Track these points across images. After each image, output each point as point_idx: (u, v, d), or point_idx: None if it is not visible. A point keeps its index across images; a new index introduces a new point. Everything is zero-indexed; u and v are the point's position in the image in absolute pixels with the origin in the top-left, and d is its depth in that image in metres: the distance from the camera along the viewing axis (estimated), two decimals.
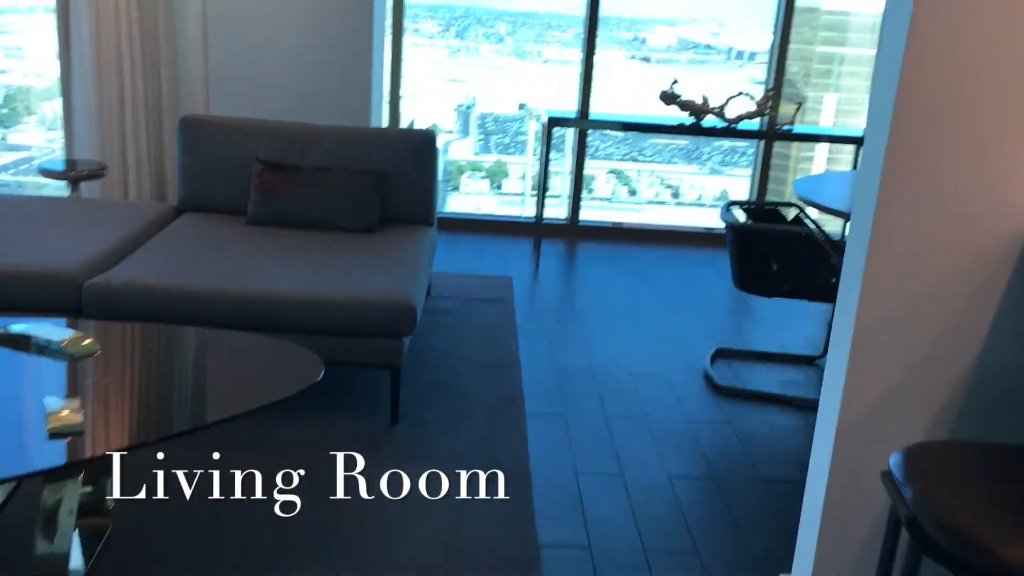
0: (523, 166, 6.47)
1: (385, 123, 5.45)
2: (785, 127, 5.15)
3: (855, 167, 5.54)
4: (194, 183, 3.91)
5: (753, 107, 5.18)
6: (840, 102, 5.95)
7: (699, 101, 5.13)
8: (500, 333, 4.02)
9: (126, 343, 2.60)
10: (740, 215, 3.72)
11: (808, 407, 3.53)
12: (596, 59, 5.52)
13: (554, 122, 5.06)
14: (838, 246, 3.42)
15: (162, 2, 4.63)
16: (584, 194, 5.75)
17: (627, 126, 5.16)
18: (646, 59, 5.87)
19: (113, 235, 3.45)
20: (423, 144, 3.89)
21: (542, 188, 5.18)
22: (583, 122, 5.25)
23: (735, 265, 3.61)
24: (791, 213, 3.86)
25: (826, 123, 6.19)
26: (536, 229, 5.38)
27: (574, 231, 5.82)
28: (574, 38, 5.90)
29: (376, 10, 4.71)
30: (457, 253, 5.21)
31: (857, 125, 6.06)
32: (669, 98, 5.06)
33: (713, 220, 6.66)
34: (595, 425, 3.29)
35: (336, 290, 3.05)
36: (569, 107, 5.53)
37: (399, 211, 3.91)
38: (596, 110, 5.55)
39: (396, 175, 3.86)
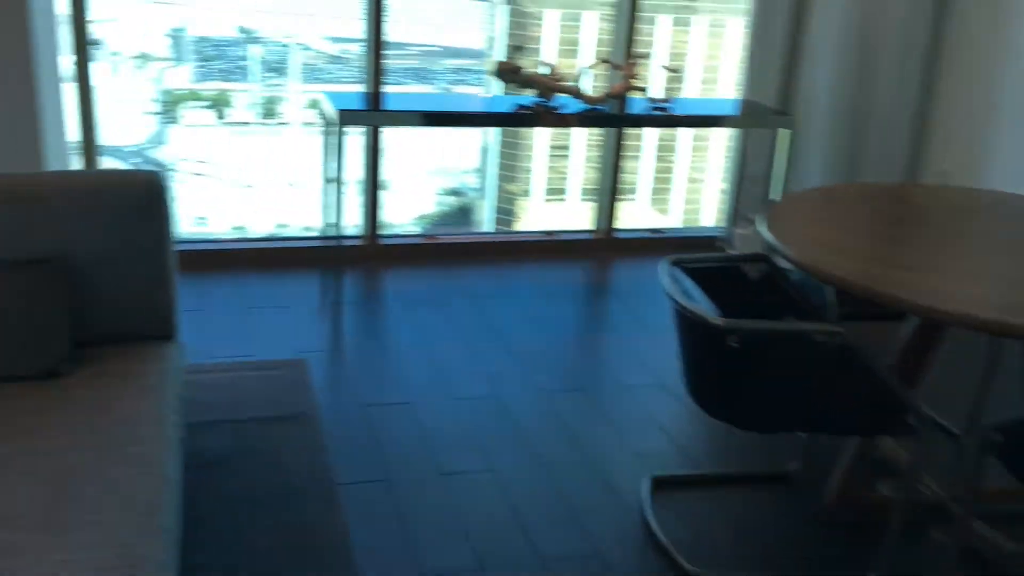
0: (248, 93, 6.09)
1: (71, 127, 3.50)
2: (664, 106, 3.77)
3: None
4: None
5: (619, 79, 3.76)
6: None
7: (546, 72, 3.64)
8: (312, 510, 2.41)
9: None
10: (689, 290, 2.29)
11: None
12: None
13: (347, 118, 3.37)
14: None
15: None
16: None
17: (443, 118, 3.55)
18: None
19: None
20: (144, 198, 2.15)
21: (337, 207, 3.51)
22: (381, 115, 3.56)
23: (697, 380, 2.21)
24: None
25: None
26: (335, 261, 3.73)
27: (374, 252, 4.21)
28: None
29: None
30: (210, 310, 3.47)
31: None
32: (510, 73, 3.52)
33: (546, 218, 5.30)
34: None
35: None
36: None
37: (110, 325, 2.17)
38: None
39: (97, 261, 2.12)
